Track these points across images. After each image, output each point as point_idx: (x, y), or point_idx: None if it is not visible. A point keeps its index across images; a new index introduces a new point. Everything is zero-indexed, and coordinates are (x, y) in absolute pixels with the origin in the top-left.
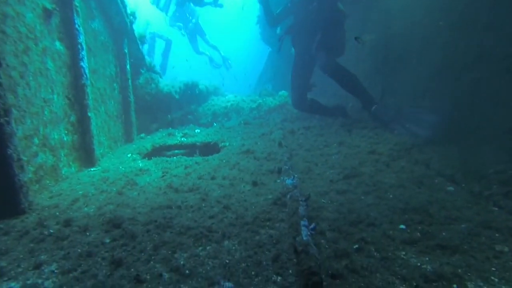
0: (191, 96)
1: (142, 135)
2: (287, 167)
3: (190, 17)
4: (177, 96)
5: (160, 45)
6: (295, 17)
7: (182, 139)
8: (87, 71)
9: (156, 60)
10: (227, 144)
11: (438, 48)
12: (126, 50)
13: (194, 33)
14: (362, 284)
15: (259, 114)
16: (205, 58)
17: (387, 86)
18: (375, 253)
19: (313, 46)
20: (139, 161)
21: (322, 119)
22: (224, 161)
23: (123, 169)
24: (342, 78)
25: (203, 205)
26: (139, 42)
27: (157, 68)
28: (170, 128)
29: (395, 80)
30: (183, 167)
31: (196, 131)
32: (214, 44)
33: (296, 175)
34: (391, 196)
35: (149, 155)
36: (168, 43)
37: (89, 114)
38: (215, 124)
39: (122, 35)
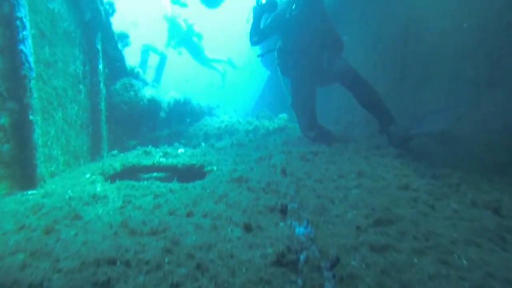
0: (182, 114)
1: (115, 151)
2: (295, 206)
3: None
4: (164, 112)
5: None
6: (285, 37)
7: (161, 159)
8: (30, 59)
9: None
10: (215, 168)
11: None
12: (99, 47)
13: (197, 48)
14: None
15: (255, 137)
16: (217, 69)
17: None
18: None
19: (321, 62)
20: (98, 184)
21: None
22: (208, 190)
23: (71, 193)
24: (363, 89)
25: (166, 260)
26: (117, 40)
27: (143, 77)
28: (150, 146)
29: (416, 100)
30: (152, 196)
31: (179, 150)
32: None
33: (308, 219)
34: (464, 262)
35: (116, 177)
36: (163, 58)
37: (31, 117)
38: (203, 144)
39: (95, 28)
